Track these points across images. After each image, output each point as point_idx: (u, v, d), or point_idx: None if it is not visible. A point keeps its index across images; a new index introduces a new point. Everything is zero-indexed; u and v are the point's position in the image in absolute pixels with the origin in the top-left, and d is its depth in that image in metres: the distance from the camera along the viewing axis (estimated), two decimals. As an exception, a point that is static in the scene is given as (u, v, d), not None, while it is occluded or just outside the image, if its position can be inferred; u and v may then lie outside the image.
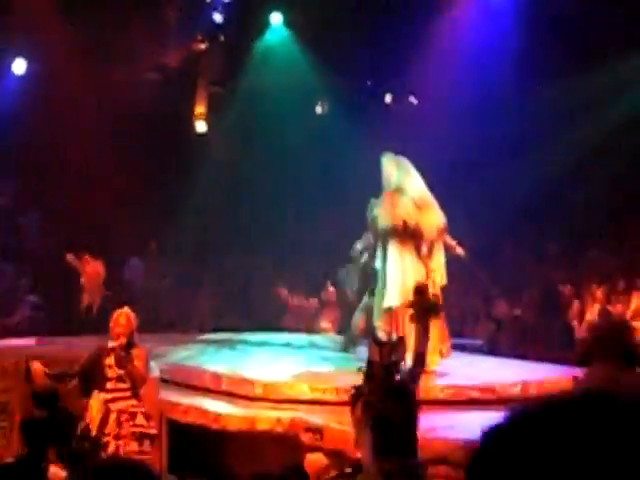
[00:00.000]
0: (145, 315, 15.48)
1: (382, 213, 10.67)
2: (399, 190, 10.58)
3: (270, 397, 9.57)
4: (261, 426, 8.94)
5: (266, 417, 9.02)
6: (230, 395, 9.74)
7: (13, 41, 15.06)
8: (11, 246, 16.47)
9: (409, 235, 10.45)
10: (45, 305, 15.43)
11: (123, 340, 8.11)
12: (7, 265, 16.12)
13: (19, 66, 15.51)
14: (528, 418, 1.33)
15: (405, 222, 10.42)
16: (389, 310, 10.52)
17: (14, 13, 14.81)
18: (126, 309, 8.50)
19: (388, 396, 3.70)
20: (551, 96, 15.46)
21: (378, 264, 10.79)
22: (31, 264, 16.28)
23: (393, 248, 10.54)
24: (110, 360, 8.11)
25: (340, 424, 8.29)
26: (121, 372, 8.10)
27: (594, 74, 15.14)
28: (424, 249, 10.47)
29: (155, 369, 10.51)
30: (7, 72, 15.49)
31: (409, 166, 10.83)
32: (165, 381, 10.28)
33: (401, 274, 10.44)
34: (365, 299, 11.67)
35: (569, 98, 15.47)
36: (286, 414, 9.00)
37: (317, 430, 8.51)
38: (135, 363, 8.11)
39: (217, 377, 10.09)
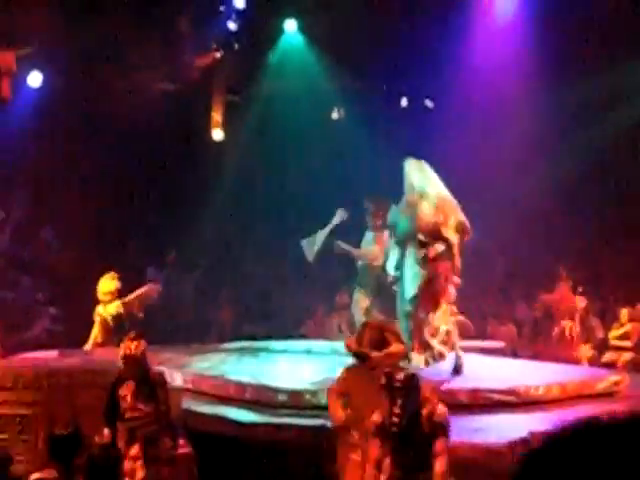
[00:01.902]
0: (164, 325, 15.59)
1: (402, 219, 10.62)
2: (421, 195, 10.52)
3: (294, 405, 9.54)
4: (285, 435, 8.91)
5: (290, 425, 8.99)
6: (254, 404, 9.71)
7: (28, 54, 15.06)
8: (29, 258, 16.49)
9: (432, 240, 10.36)
10: (64, 317, 15.44)
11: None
12: (25, 278, 16.12)
13: (35, 79, 15.50)
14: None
15: (426, 227, 10.35)
16: (408, 315, 10.48)
17: (27, 26, 14.83)
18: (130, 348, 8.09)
19: None
20: (567, 97, 15.42)
21: (390, 268, 10.80)
22: (49, 276, 16.29)
23: (412, 254, 10.46)
24: (123, 390, 7.83)
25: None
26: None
27: (610, 75, 15.10)
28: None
29: (178, 379, 10.50)
30: (23, 85, 15.48)
31: (428, 170, 10.78)
32: (188, 391, 10.27)
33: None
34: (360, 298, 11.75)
35: (586, 99, 15.42)
36: (310, 422, 8.97)
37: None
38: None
39: (240, 386, 10.06)
